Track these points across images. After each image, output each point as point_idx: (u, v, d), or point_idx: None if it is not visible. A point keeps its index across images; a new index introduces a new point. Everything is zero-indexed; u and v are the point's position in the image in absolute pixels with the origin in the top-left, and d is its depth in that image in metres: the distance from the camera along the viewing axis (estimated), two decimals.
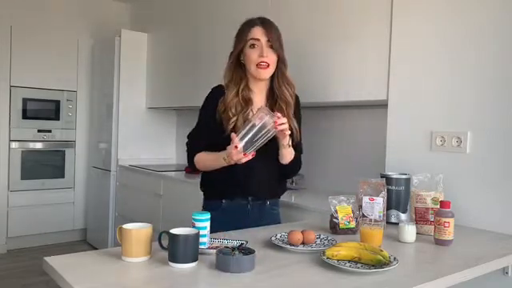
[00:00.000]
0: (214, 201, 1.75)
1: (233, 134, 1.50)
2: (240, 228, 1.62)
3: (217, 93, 1.75)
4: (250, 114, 1.69)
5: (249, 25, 1.70)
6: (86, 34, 4.53)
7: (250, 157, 1.50)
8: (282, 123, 1.50)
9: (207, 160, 1.71)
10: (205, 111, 1.77)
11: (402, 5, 2.03)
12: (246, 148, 1.48)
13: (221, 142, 1.62)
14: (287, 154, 1.68)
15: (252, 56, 1.66)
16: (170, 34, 3.96)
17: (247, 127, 1.48)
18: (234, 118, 1.65)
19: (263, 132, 1.47)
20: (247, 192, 1.72)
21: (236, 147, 1.47)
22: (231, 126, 1.64)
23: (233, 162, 1.53)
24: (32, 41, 4.18)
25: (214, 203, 1.74)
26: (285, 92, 1.72)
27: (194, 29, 3.57)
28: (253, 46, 1.67)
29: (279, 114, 1.51)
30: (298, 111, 1.82)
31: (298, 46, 2.52)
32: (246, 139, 1.47)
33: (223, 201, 1.73)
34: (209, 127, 1.72)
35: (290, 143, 1.65)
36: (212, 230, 1.33)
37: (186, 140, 1.81)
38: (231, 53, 1.74)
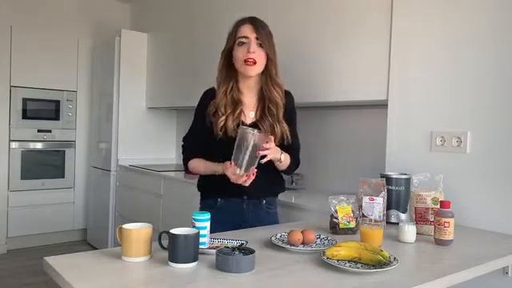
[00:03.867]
0: (209, 200, 1.77)
1: (227, 164, 1.55)
2: (235, 226, 1.64)
3: (208, 96, 1.77)
4: (242, 116, 1.71)
5: (238, 24, 1.70)
6: (86, 33, 4.53)
7: (252, 177, 1.55)
8: (264, 153, 1.54)
9: (201, 169, 1.76)
10: (197, 114, 1.79)
11: (402, 5, 2.03)
12: (245, 169, 1.53)
13: (212, 146, 1.68)
14: (280, 166, 1.73)
15: (239, 53, 1.66)
16: (169, 33, 3.96)
17: (241, 152, 1.50)
18: (223, 118, 1.66)
19: (255, 150, 1.51)
20: (242, 192, 1.70)
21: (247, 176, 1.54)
22: (220, 126, 1.66)
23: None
24: (32, 41, 4.18)
25: (210, 202, 1.76)
26: (274, 93, 1.72)
27: (194, 29, 3.57)
28: (241, 43, 1.67)
29: (268, 144, 1.53)
30: (292, 108, 1.83)
31: (297, 46, 2.52)
32: (244, 163, 1.51)
33: (218, 199, 1.75)
34: (201, 131, 1.74)
35: (280, 157, 1.67)
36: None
37: (182, 143, 1.85)
38: (222, 51, 1.74)
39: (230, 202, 1.74)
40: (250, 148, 1.49)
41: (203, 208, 1.78)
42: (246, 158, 1.51)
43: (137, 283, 1.07)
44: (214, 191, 1.76)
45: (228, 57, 1.72)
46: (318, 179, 2.83)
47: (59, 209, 4.39)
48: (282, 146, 1.72)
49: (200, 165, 1.75)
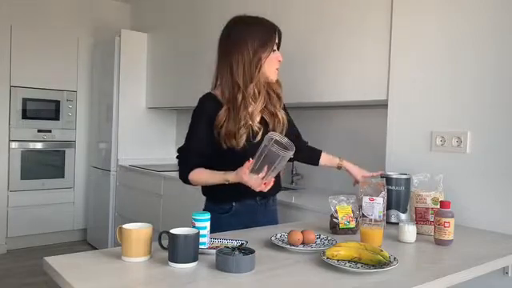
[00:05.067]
0: (224, 204, 1.69)
1: (243, 170, 1.47)
2: (250, 227, 1.63)
3: (211, 103, 1.64)
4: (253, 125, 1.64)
5: (274, 29, 1.66)
6: (86, 33, 4.53)
7: (271, 183, 1.50)
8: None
9: (204, 179, 1.65)
10: (201, 123, 1.65)
11: (402, 4, 2.03)
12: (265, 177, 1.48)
13: (220, 156, 1.62)
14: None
15: (276, 59, 1.66)
16: (169, 34, 3.96)
17: (263, 159, 1.43)
18: (246, 129, 1.61)
19: (279, 160, 1.43)
20: (256, 193, 1.65)
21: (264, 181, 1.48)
22: (244, 137, 1.59)
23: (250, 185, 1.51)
24: (32, 40, 4.18)
25: (225, 207, 1.69)
26: (278, 89, 1.73)
27: (194, 28, 3.57)
28: (275, 50, 1.66)
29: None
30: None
31: (297, 46, 2.52)
32: (265, 170, 1.44)
33: (233, 204, 1.69)
34: (208, 141, 1.63)
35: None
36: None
37: (177, 154, 1.71)
38: (258, 58, 1.59)
39: (245, 205, 1.71)
40: (278, 162, 1.43)
41: (217, 212, 1.64)
42: (271, 169, 1.44)
43: (137, 283, 1.07)
44: (229, 195, 1.67)
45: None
46: (318, 179, 2.83)
47: (59, 209, 4.39)
48: (287, 135, 1.69)
49: (205, 175, 1.63)
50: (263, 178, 1.46)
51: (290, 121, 1.81)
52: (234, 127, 1.58)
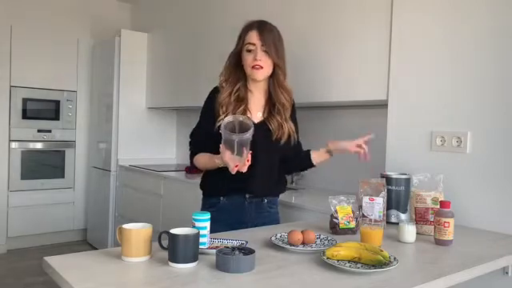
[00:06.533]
0: (212, 198, 1.77)
1: (222, 148, 1.52)
2: (236, 225, 1.64)
3: (215, 94, 1.78)
4: (248, 114, 1.73)
5: (246, 29, 1.73)
6: (86, 33, 4.53)
7: (247, 163, 1.52)
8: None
9: (202, 163, 1.77)
10: (203, 113, 1.81)
11: (402, 5, 2.03)
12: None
13: (216, 144, 1.65)
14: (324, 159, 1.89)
15: (247, 60, 1.71)
16: (170, 34, 3.96)
17: (231, 145, 1.49)
18: (222, 116, 1.68)
19: (244, 139, 1.48)
20: (245, 189, 1.74)
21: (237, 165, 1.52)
22: (218, 125, 1.66)
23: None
24: (32, 41, 4.18)
25: (212, 201, 1.76)
26: (280, 97, 1.77)
27: (194, 29, 3.57)
28: (249, 50, 1.70)
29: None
30: (293, 115, 1.86)
31: (297, 46, 2.52)
32: (244, 151, 1.49)
33: (221, 198, 1.75)
34: (205, 128, 1.75)
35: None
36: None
37: (189, 139, 1.86)
38: (231, 53, 1.77)
39: (233, 201, 1.74)
40: (241, 143, 1.48)
41: (205, 206, 1.78)
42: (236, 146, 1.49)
43: (137, 283, 1.07)
44: (216, 189, 1.76)
45: (238, 59, 1.74)
46: (318, 179, 2.82)
47: (59, 209, 4.39)
48: (289, 144, 1.77)
49: (203, 159, 1.76)
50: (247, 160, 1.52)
51: (297, 132, 1.85)
52: (218, 115, 1.71)
